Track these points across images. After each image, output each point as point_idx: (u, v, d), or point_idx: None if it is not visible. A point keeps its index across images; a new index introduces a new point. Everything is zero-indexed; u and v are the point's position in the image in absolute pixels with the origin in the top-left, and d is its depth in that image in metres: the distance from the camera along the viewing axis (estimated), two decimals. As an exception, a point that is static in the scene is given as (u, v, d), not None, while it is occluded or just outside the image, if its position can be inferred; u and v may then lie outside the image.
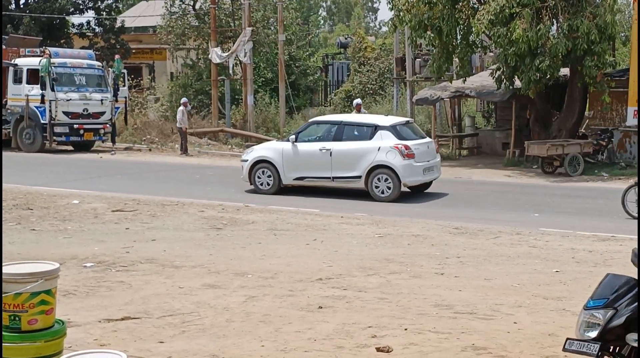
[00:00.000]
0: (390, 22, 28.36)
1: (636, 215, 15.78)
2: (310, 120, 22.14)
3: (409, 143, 19.28)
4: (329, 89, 45.95)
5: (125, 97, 33.88)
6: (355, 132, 19.76)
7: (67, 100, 29.99)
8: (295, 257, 12.53)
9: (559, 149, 24.50)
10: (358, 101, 28.16)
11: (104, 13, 44.83)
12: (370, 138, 19.36)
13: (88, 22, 46.63)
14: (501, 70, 25.60)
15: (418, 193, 20.33)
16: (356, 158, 19.27)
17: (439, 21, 25.83)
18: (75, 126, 30.33)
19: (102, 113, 31.24)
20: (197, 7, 41.34)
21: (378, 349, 7.98)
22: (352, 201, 19.18)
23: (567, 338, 5.30)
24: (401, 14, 26.70)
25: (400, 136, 19.39)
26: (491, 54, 31.12)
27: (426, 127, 33.33)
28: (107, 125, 31.35)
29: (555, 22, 24.62)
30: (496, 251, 13.10)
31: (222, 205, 17.82)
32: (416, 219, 16.35)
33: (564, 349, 5.26)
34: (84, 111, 30.53)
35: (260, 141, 33.76)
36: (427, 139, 20.64)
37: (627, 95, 24.65)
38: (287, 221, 15.93)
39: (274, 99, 37.69)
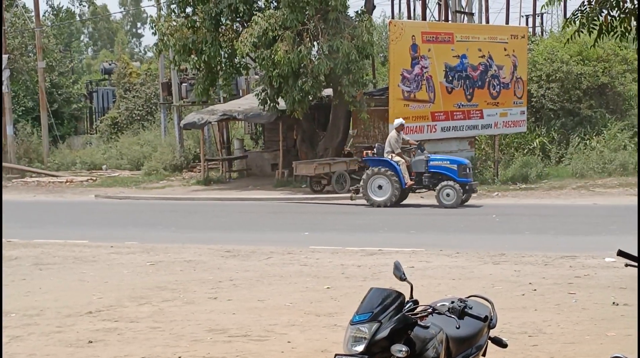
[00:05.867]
0: (154, 46, 28.12)
1: None
2: None
3: None
4: (94, 116, 44.90)
5: None
6: None
7: None
8: (63, 291, 12.02)
9: (326, 167, 25.12)
10: (400, 120, 22.40)
11: None
12: None
13: None
14: (266, 92, 25.96)
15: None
16: None
17: (203, 45, 25.89)
18: None
19: None
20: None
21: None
22: (123, 229, 18.74)
23: (336, 354, 5.35)
24: (165, 38, 26.57)
25: None
26: (256, 76, 31.51)
27: (195, 151, 33.25)
28: None
29: (316, 43, 25.27)
30: (268, 272, 13.16)
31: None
32: (188, 244, 16.18)
33: (333, 365, 5.31)
34: None
35: (22, 172, 32.36)
36: None
37: (388, 113, 25.56)
38: (54, 255, 15.28)
39: (37, 128, 36.35)
